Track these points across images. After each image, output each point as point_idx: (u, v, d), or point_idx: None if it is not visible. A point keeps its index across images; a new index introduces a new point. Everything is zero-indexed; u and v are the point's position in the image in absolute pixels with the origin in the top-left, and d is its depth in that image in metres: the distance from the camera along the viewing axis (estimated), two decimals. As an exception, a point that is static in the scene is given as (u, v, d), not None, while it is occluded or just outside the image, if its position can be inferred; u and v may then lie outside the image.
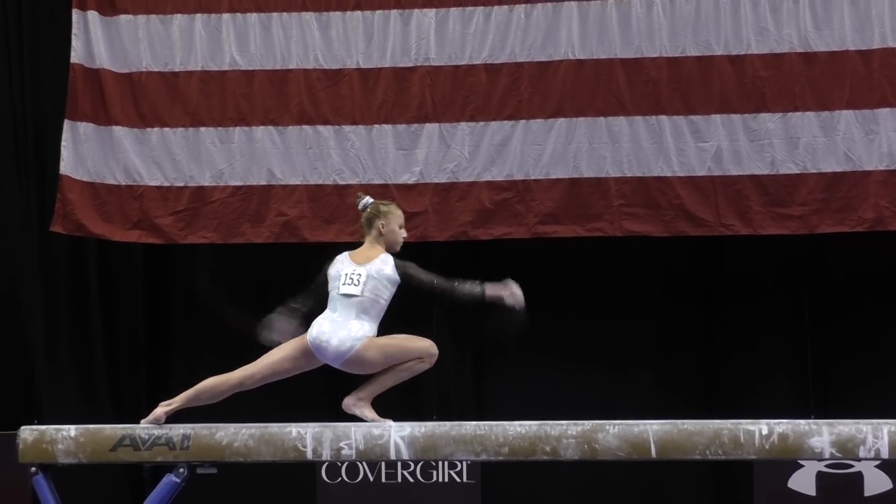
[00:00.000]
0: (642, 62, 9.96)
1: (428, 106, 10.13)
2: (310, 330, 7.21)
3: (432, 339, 10.56)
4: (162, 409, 7.25)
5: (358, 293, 7.14)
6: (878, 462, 9.73)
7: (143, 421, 7.20)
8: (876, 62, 9.82)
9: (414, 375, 7.31)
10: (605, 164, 9.94)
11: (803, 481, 10.14)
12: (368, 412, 7.25)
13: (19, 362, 10.99)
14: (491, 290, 7.14)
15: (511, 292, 7.17)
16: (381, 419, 7.22)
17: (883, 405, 9.33)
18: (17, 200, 11.01)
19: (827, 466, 10.03)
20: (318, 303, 7.23)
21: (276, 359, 7.25)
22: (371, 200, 7.43)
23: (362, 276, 7.17)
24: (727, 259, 10.71)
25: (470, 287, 7.14)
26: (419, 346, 7.28)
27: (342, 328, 7.13)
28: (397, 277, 7.20)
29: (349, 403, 7.29)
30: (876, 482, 10.11)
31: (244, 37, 10.26)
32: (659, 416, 8.04)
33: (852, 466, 10.04)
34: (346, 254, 7.33)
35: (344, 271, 7.21)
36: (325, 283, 7.25)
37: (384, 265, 7.21)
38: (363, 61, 10.19)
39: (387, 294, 7.21)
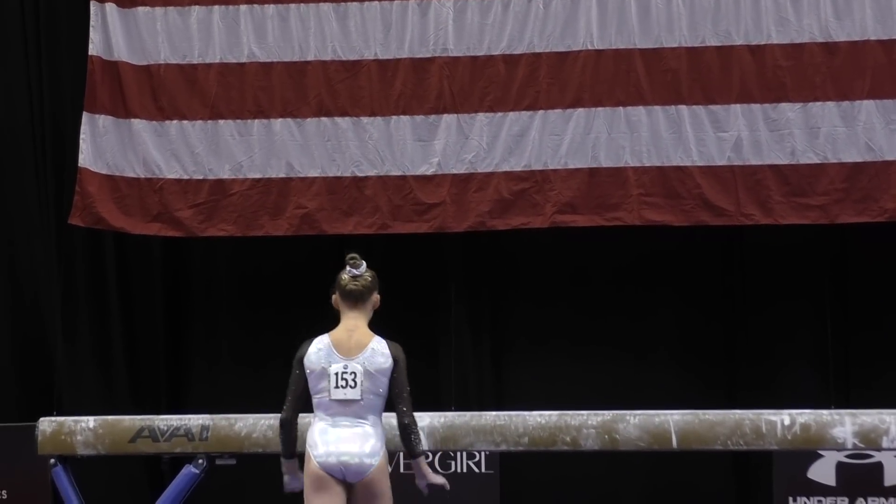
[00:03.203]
0: (662, 52, 9.85)
1: (446, 97, 10.02)
2: (312, 456, 6.10)
3: (451, 326, 10.50)
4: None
5: (356, 396, 6.08)
6: (898, 452, 9.62)
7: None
8: (897, 52, 9.73)
9: None
10: (624, 154, 9.82)
11: (823, 471, 10.06)
12: None
13: (38, 354, 10.95)
14: (418, 467, 6.25)
15: (426, 483, 6.31)
16: None
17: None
18: (35, 194, 10.99)
19: (847, 457, 9.96)
20: (305, 402, 6.18)
21: None
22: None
23: (357, 374, 6.09)
24: (747, 251, 10.63)
25: (412, 444, 6.16)
26: None
27: (353, 445, 6.09)
28: (391, 363, 6.16)
29: None
30: (896, 472, 10.06)
31: (262, 28, 10.16)
32: (679, 403, 7.95)
33: (872, 457, 9.96)
34: (326, 340, 6.20)
35: (332, 370, 6.10)
36: (304, 378, 6.14)
37: (379, 356, 6.15)
38: (381, 52, 10.07)
39: (386, 382, 6.13)
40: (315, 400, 6.15)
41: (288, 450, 6.19)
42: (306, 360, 6.15)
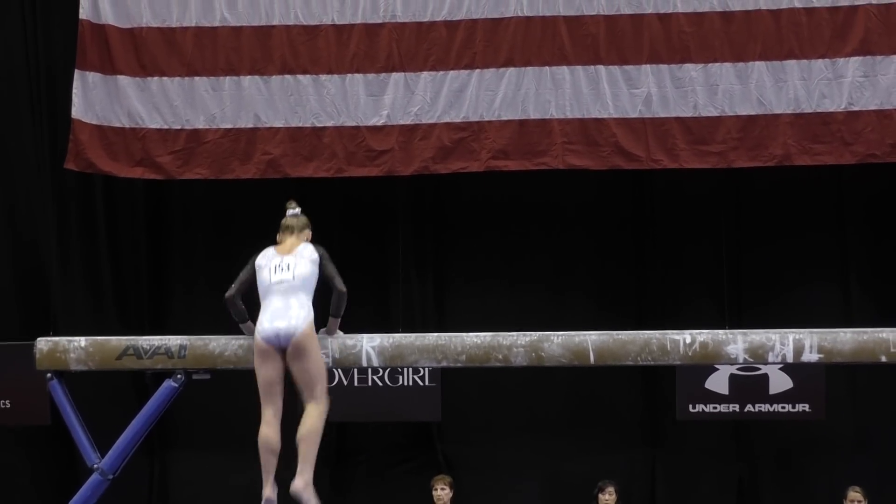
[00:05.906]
0: (582, 19, 9.84)
1: (394, 57, 9.96)
2: (256, 331, 6.99)
3: (399, 259, 10.49)
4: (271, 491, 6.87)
5: (290, 277, 6.98)
6: (781, 365, 9.70)
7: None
8: (784, 20, 9.74)
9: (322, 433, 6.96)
10: (550, 108, 9.83)
11: (718, 382, 10.20)
12: (315, 500, 6.85)
13: (37, 281, 10.90)
14: (331, 324, 7.28)
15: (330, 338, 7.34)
16: None
17: (788, 316, 9.34)
18: (31, 140, 10.87)
19: (738, 370, 10.09)
20: (251, 289, 7.17)
21: (262, 379, 6.96)
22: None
23: (290, 264, 7.02)
24: (657, 199, 10.68)
25: (336, 307, 7.17)
26: (325, 377, 7.03)
27: (285, 314, 6.94)
28: (317, 255, 7.09)
29: (300, 487, 6.81)
30: (779, 382, 10.15)
31: (233, -3, 10.08)
32: (596, 328, 7.95)
33: (759, 369, 10.09)
34: (271, 248, 7.18)
35: (273, 263, 7.07)
36: (252, 271, 7.14)
37: (306, 249, 7.11)
38: (338, 18, 10.00)
39: (315, 269, 7.07)
40: (261, 289, 7.04)
41: (240, 318, 7.20)
42: (257, 260, 7.12)
